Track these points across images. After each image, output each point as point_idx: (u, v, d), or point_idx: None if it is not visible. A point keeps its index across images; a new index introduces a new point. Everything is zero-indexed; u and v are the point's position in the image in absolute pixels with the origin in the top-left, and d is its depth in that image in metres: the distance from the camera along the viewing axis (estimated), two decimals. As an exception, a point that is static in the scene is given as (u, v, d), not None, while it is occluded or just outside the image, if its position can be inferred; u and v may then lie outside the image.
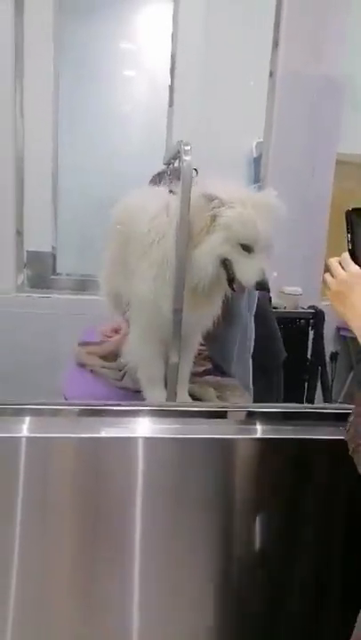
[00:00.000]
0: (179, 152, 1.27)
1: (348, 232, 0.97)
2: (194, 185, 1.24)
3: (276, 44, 2.59)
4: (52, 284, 2.92)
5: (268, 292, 1.27)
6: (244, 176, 2.39)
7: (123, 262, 1.45)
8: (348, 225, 0.97)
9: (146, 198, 1.44)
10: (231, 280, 1.29)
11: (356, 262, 0.94)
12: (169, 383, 1.36)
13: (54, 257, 2.97)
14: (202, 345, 1.64)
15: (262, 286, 1.27)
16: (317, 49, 2.56)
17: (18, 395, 1.13)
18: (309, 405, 1.17)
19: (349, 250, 0.97)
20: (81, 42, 2.89)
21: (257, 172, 2.88)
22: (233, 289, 1.31)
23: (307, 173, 2.58)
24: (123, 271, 1.48)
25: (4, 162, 2.65)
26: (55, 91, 2.83)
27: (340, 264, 0.96)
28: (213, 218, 1.24)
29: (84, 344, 1.91)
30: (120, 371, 1.63)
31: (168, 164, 1.57)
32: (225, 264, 1.27)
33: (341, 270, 0.95)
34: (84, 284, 2.87)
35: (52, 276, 2.94)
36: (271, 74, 2.65)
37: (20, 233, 2.78)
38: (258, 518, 1.10)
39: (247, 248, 1.26)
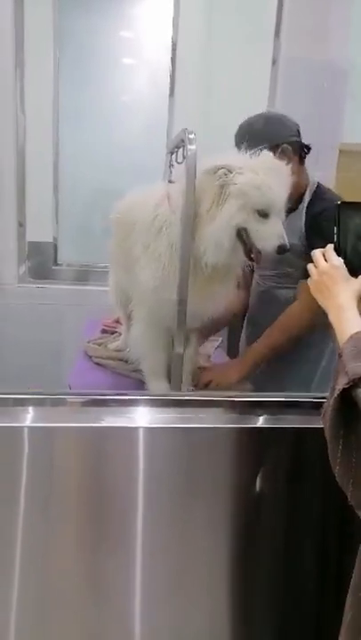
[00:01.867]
0: (183, 140, 1.26)
1: (335, 225, 0.99)
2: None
3: (278, 31, 2.56)
4: (53, 275, 2.92)
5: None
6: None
7: (125, 256, 1.45)
8: (335, 218, 0.99)
9: (146, 192, 1.43)
10: (250, 250, 1.26)
11: (340, 255, 0.96)
12: (173, 373, 1.36)
13: (55, 247, 2.97)
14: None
15: (284, 250, 1.24)
16: (320, 36, 2.53)
17: (20, 384, 1.13)
18: (311, 394, 1.17)
19: (335, 242, 0.98)
20: (81, 31, 2.86)
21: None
22: (251, 259, 1.27)
23: (310, 162, 2.56)
24: (125, 265, 1.48)
25: (5, 153, 2.64)
26: (55, 81, 2.81)
27: (324, 256, 0.98)
28: (222, 187, 1.21)
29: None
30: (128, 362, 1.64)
31: (172, 152, 1.56)
32: (240, 235, 1.25)
33: (324, 262, 0.98)
34: (85, 275, 2.87)
35: (54, 267, 2.94)
36: (274, 62, 2.62)
37: (21, 224, 2.78)
38: (260, 507, 1.11)
39: (263, 213, 1.23)
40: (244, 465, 1.09)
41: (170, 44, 2.84)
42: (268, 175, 1.22)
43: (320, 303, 0.97)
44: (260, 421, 1.10)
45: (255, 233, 1.24)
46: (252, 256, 1.27)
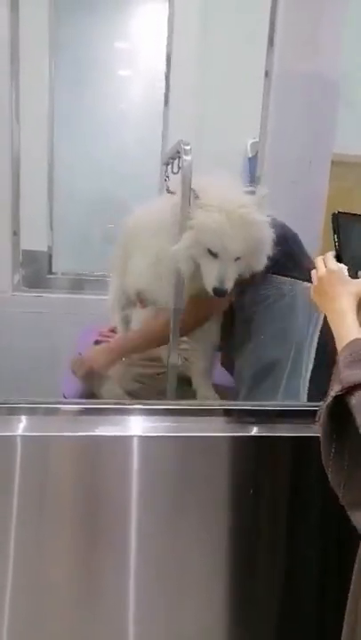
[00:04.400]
0: (178, 152, 1.27)
1: (334, 233, 1.01)
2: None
3: (271, 43, 2.59)
4: (47, 284, 2.91)
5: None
6: (239, 175, 2.39)
7: (124, 261, 1.50)
8: (334, 227, 1.01)
9: (152, 203, 1.51)
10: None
11: (341, 263, 0.98)
12: (168, 382, 1.37)
13: (50, 256, 2.97)
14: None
15: (219, 293, 1.26)
16: (313, 49, 2.56)
17: (14, 393, 1.13)
18: (305, 403, 1.17)
19: (336, 250, 1.00)
20: (76, 41, 2.89)
21: (252, 171, 2.88)
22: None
23: (302, 173, 2.59)
24: (123, 269, 1.53)
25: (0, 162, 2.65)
26: (50, 90, 2.83)
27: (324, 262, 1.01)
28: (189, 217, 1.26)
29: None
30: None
31: (167, 163, 1.58)
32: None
33: (323, 267, 1.00)
34: (79, 284, 2.87)
35: (48, 276, 2.94)
36: (267, 73, 2.65)
37: (15, 233, 2.78)
38: (255, 515, 1.11)
39: (213, 253, 1.26)
40: (239, 473, 1.09)
41: (164, 54, 2.87)
42: (232, 220, 1.23)
43: (321, 308, 0.99)
44: (255, 430, 1.10)
45: (204, 268, 1.27)
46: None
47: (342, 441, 0.82)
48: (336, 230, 1.01)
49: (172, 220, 1.31)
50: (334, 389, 0.80)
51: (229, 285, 1.26)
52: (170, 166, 1.53)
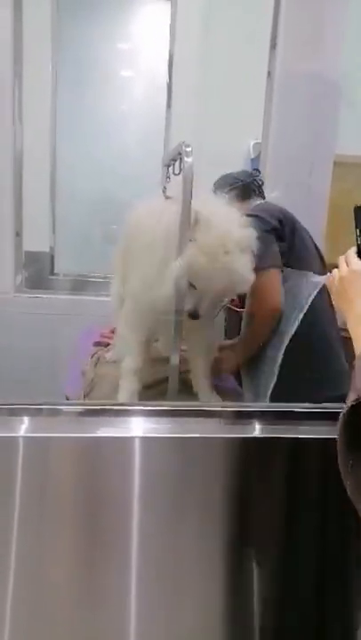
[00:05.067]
0: (180, 153, 1.27)
1: (356, 227, 0.97)
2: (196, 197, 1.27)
3: (273, 44, 2.59)
4: (49, 285, 2.92)
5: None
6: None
7: (124, 264, 1.52)
8: (356, 220, 0.97)
9: (150, 205, 1.50)
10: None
11: None
12: (170, 384, 1.37)
13: (52, 257, 2.98)
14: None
15: (192, 316, 1.35)
16: (315, 50, 2.56)
17: (16, 395, 1.13)
18: (307, 405, 1.17)
19: (358, 245, 0.96)
20: (79, 43, 2.90)
21: (255, 172, 2.89)
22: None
23: (304, 174, 2.59)
24: (123, 272, 1.53)
25: (2, 162, 2.66)
26: (53, 92, 2.84)
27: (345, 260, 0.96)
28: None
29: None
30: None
31: (168, 165, 1.58)
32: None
33: (345, 266, 0.95)
34: (81, 285, 2.88)
35: (50, 277, 2.95)
36: (269, 74, 2.65)
37: (18, 234, 2.78)
38: (256, 517, 1.11)
39: (193, 285, 1.33)
40: (240, 475, 1.09)
41: (167, 56, 2.88)
42: (212, 265, 1.29)
43: (340, 310, 0.95)
44: (256, 431, 1.10)
45: (187, 292, 1.34)
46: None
47: (360, 452, 0.76)
48: (358, 224, 0.97)
49: (172, 230, 1.33)
50: (351, 398, 0.76)
51: (203, 312, 1.36)
52: (171, 168, 1.54)
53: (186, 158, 1.24)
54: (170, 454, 1.07)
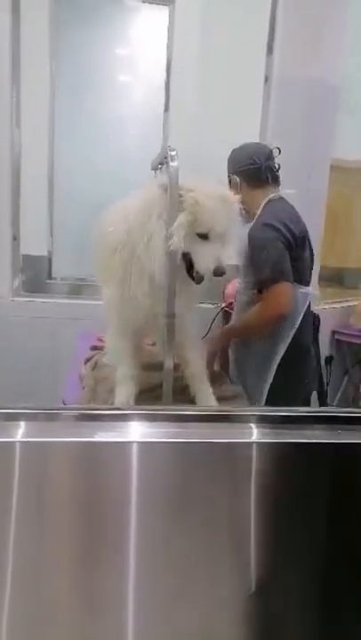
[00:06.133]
0: (166, 157, 1.27)
1: None
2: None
3: (271, 49, 2.61)
4: (47, 289, 2.92)
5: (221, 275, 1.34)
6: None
7: (97, 269, 1.54)
8: None
9: (111, 211, 1.48)
10: (189, 270, 1.32)
11: None
12: (164, 388, 1.37)
13: (50, 261, 2.97)
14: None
15: (219, 272, 1.29)
16: (313, 54, 2.57)
17: (13, 399, 1.12)
18: (305, 409, 1.17)
19: None
20: (77, 47, 2.90)
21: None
22: (193, 278, 1.33)
23: (302, 178, 2.60)
24: (98, 277, 1.55)
25: (0, 167, 2.66)
26: (51, 96, 2.84)
27: None
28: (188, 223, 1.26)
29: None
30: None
31: (155, 168, 1.59)
32: (183, 254, 1.30)
33: None
34: (79, 289, 2.87)
35: (48, 281, 2.94)
36: (266, 79, 2.66)
37: (15, 238, 2.78)
38: (256, 522, 1.10)
39: (203, 236, 1.28)
40: (239, 479, 1.09)
41: (165, 60, 2.89)
42: (210, 200, 1.27)
43: None
44: (255, 435, 1.10)
45: (195, 255, 1.29)
46: (193, 275, 1.32)
47: None
48: None
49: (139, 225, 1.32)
50: None
51: (224, 265, 1.30)
52: (158, 171, 1.54)
53: (171, 162, 1.24)
54: (168, 459, 1.06)
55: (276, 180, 1.87)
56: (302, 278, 1.81)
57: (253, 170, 1.82)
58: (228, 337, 1.88)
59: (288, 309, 1.71)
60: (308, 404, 2.03)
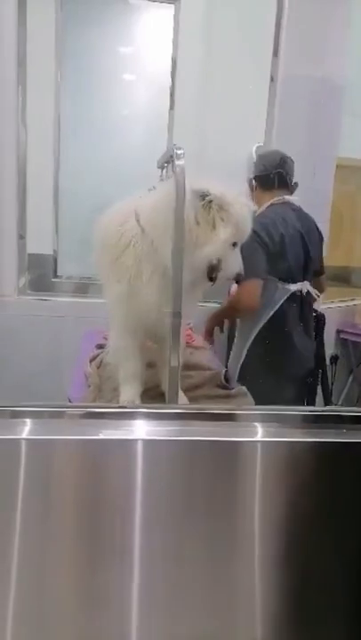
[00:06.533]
0: (172, 156, 1.27)
1: None
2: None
3: (276, 48, 2.60)
4: (53, 287, 2.93)
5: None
6: (244, 180, 2.40)
7: (100, 269, 1.51)
8: None
9: (116, 208, 1.48)
10: (211, 273, 1.35)
11: None
12: (169, 386, 1.37)
13: (55, 260, 2.98)
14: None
15: (239, 277, 1.42)
16: (318, 54, 2.57)
17: (19, 397, 1.13)
18: (309, 408, 1.17)
19: None
20: (82, 47, 2.91)
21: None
22: (213, 281, 1.37)
23: (307, 177, 2.59)
24: (101, 276, 1.53)
25: (6, 166, 2.67)
26: (57, 96, 2.85)
27: None
28: (209, 213, 1.28)
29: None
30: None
31: (162, 167, 1.59)
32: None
33: None
34: (84, 287, 2.88)
35: (53, 279, 2.96)
36: (272, 79, 2.66)
37: (22, 236, 2.79)
38: (259, 520, 1.11)
39: (234, 244, 1.34)
40: (244, 477, 1.09)
41: (170, 59, 2.89)
42: (248, 214, 1.35)
43: None
44: (259, 434, 1.10)
45: (225, 261, 1.33)
46: (213, 277, 1.36)
47: None
48: None
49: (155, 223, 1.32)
50: None
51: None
52: (164, 170, 1.54)
53: (177, 161, 1.23)
54: (172, 456, 1.07)
55: (284, 186, 2.08)
56: (287, 275, 2.00)
57: (263, 176, 2.09)
58: (212, 319, 2.09)
59: (253, 303, 1.91)
60: (294, 393, 2.18)
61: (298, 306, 2.06)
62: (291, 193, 2.11)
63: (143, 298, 1.35)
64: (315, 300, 2.12)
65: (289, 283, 2.02)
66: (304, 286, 2.05)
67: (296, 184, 2.14)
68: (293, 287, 2.02)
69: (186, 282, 1.29)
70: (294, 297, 2.03)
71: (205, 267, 1.32)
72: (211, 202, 1.28)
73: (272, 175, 2.06)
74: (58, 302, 2.82)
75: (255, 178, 2.12)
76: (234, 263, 1.36)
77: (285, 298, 2.01)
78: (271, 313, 2.01)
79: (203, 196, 1.27)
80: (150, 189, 1.50)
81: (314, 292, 2.09)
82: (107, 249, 1.42)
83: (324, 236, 2.27)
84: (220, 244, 1.29)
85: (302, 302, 2.07)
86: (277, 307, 2.01)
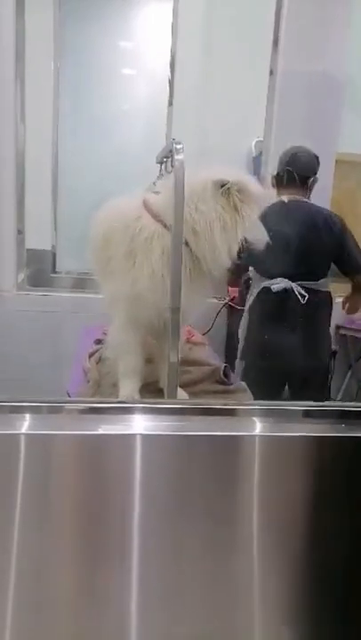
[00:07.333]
0: (171, 151, 1.26)
1: None
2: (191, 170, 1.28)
3: (276, 42, 2.59)
4: (51, 283, 2.93)
5: None
6: (244, 175, 2.40)
7: (104, 264, 1.49)
8: None
9: (121, 203, 1.47)
10: (240, 253, 1.38)
11: None
12: (168, 381, 1.37)
13: (54, 255, 2.98)
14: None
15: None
16: (318, 48, 2.56)
17: (18, 392, 1.13)
18: (307, 403, 1.17)
19: None
20: (81, 41, 2.90)
21: (256, 170, 2.88)
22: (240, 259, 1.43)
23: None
24: (103, 272, 1.52)
25: (4, 161, 2.66)
26: (55, 91, 2.84)
27: None
28: (233, 201, 1.32)
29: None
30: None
31: (161, 162, 1.58)
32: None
33: None
34: (83, 283, 2.88)
35: (52, 275, 2.95)
36: (271, 72, 2.65)
37: (20, 232, 2.79)
38: (259, 516, 1.11)
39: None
40: (242, 472, 1.09)
41: (169, 54, 2.88)
42: (259, 187, 1.39)
43: None
44: (258, 429, 1.10)
45: (255, 234, 1.38)
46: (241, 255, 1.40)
47: None
48: None
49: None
50: None
51: None
52: (164, 165, 1.54)
53: (176, 156, 1.23)
54: (172, 452, 1.07)
55: (293, 184, 2.14)
56: (269, 271, 2.12)
57: (275, 175, 2.20)
58: None
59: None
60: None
61: (275, 302, 2.11)
62: (305, 190, 2.16)
63: (166, 294, 1.34)
64: (299, 301, 2.11)
65: (267, 278, 2.13)
66: (284, 284, 2.10)
67: (315, 180, 2.18)
68: (267, 283, 2.12)
69: (214, 270, 1.36)
70: (269, 292, 2.10)
71: (239, 247, 1.35)
72: (229, 188, 1.30)
73: (281, 173, 2.14)
74: (56, 297, 2.82)
75: (273, 177, 2.23)
76: (263, 234, 1.40)
77: (259, 292, 2.15)
78: (247, 304, 2.23)
79: (221, 184, 1.30)
80: (152, 188, 1.50)
81: (300, 292, 2.10)
82: (114, 244, 1.41)
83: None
84: (249, 220, 1.33)
85: (282, 300, 2.11)
86: (253, 298, 2.19)
